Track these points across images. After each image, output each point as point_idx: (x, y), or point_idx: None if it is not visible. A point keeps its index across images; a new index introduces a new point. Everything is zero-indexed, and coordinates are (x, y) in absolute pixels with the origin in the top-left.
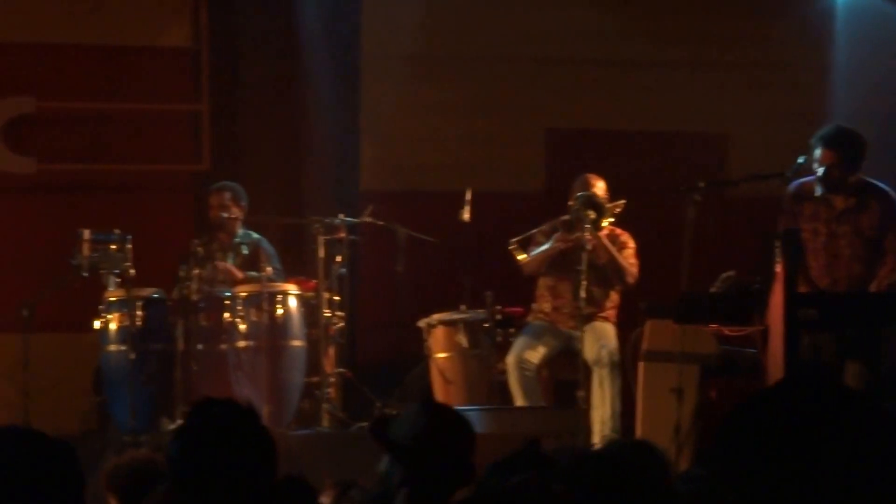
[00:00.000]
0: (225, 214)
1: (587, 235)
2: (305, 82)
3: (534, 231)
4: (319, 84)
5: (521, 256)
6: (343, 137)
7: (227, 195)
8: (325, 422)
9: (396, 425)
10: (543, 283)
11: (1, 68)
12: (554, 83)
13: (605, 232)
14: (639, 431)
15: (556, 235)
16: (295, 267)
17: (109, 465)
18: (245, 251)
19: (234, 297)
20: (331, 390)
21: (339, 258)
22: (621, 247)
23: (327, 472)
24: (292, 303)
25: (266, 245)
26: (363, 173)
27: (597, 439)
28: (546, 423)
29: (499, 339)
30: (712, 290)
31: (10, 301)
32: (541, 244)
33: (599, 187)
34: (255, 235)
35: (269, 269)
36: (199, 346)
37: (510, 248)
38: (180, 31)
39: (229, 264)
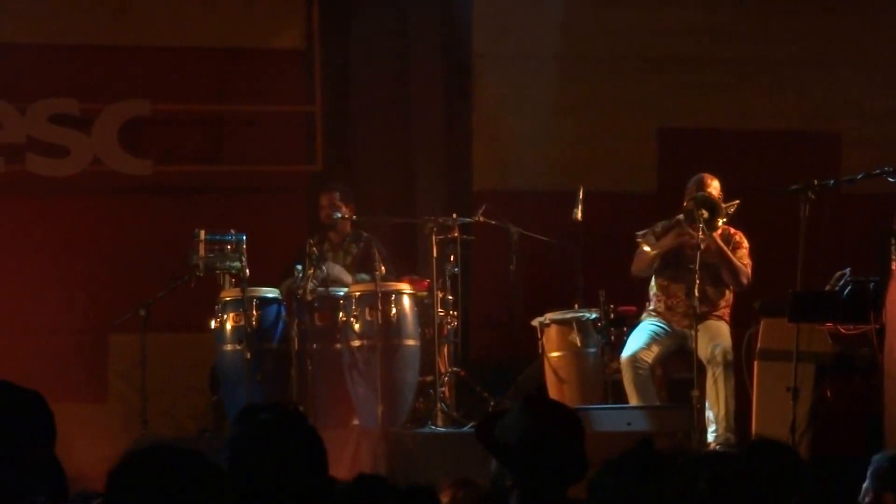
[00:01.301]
0: (335, 214)
1: (701, 235)
2: (417, 82)
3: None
4: (431, 84)
5: (647, 248)
6: (455, 137)
7: (337, 195)
8: (439, 421)
9: (501, 426)
10: (657, 282)
11: (117, 72)
12: (666, 82)
13: (718, 232)
14: (754, 430)
15: (677, 229)
16: (408, 266)
17: None
18: (355, 250)
19: (348, 297)
20: (444, 389)
21: (452, 257)
22: (735, 247)
23: (441, 472)
24: (406, 302)
25: (378, 244)
26: (475, 173)
27: (711, 438)
28: (660, 422)
29: (612, 337)
30: (827, 288)
31: (128, 302)
32: (654, 243)
33: (714, 187)
34: (365, 234)
35: (382, 268)
36: (314, 346)
37: (637, 239)
38: (293, 33)
39: (338, 268)
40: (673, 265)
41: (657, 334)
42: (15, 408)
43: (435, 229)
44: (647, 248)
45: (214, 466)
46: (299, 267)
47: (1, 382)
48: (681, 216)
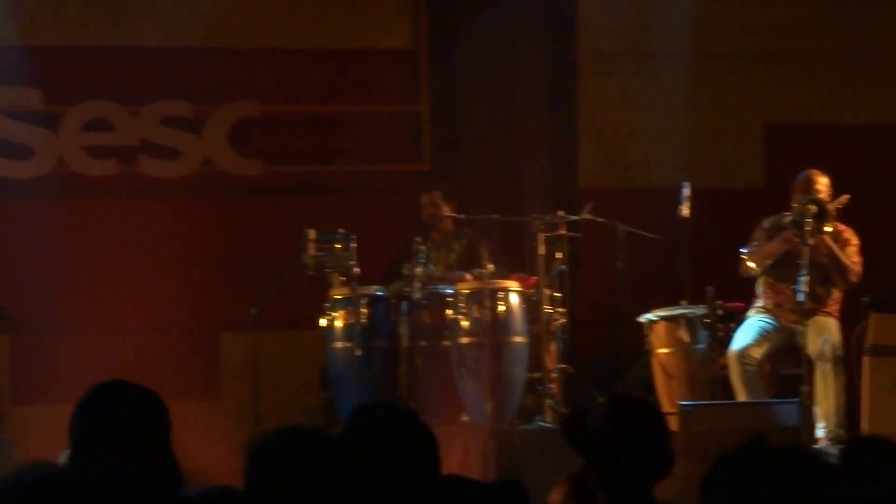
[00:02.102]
0: (438, 213)
1: (810, 239)
2: (523, 80)
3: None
4: (537, 81)
5: (751, 264)
6: (561, 134)
7: (438, 194)
8: (548, 417)
9: (586, 423)
10: (765, 279)
11: (227, 73)
12: (772, 78)
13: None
14: (864, 427)
15: (783, 234)
16: (515, 264)
17: None
18: (458, 248)
19: (456, 295)
20: (553, 386)
21: (559, 255)
22: (844, 244)
23: (549, 468)
24: (514, 299)
25: (484, 242)
26: (581, 170)
27: (821, 434)
28: (769, 418)
29: (720, 333)
30: None
31: (240, 300)
32: (760, 244)
33: (823, 184)
34: (468, 231)
35: (489, 266)
36: (423, 343)
37: (742, 256)
38: (400, 34)
39: (435, 271)
40: (781, 263)
41: (765, 330)
42: (131, 405)
43: (542, 227)
44: (751, 265)
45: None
46: (407, 265)
47: (116, 381)
48: (788, 216)
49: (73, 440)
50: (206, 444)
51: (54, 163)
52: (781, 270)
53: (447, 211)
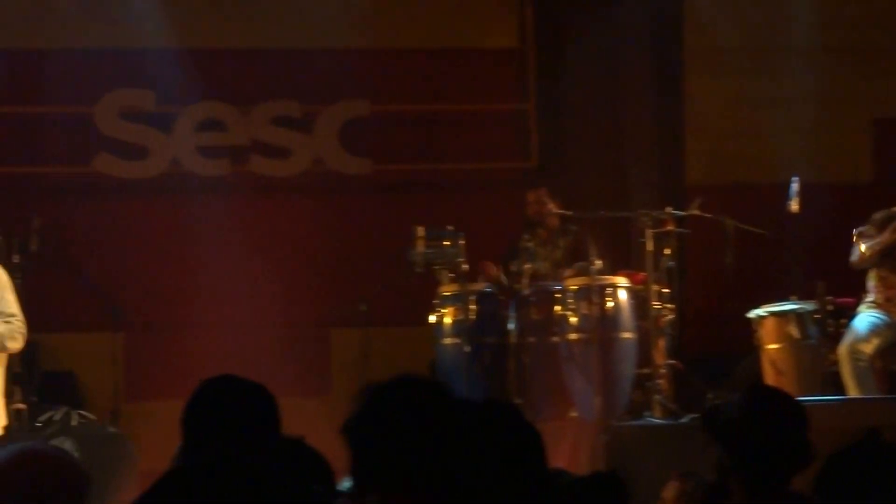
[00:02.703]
0: (544, 210)
1: None
2: (629, 77)
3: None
4: (643, 77)
5: (863, 246)
6: (667, 130)
7: (544, 191)
8: (657, 413)
9: (725, 414)
10: (876, 273)
11: (337, 73)
12: (881, 72)
13: None
14: None
15: (894, 225)
16: (623, 260)
17: None
18: (563, 244)
19: (564, 291)
20: (661, 381)
21: (667, 251)
22: None
23: (659, 464)
24: (622, 295)
25: (590, 238)
26: (688, 166)
27: None
28: (881, 414)
29: (830, 329)
30: None
31: (350, 297)
32: (871, 236)
33: None
34: (574, 228)
35: (597, 262)
36: (531, 339)
37: (853, 235)
38: (507, 32)
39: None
40: (893, 256)
41: (876, 326)
42: (241, 399)
43: (650, 223)
44: (863, 247)
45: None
46: (514, 261)
47: (226, 375)
48: None
49: (184, 435)
50: (317, 440)
51: (168, 163)
52: (893, 263)
53: (553, 208)
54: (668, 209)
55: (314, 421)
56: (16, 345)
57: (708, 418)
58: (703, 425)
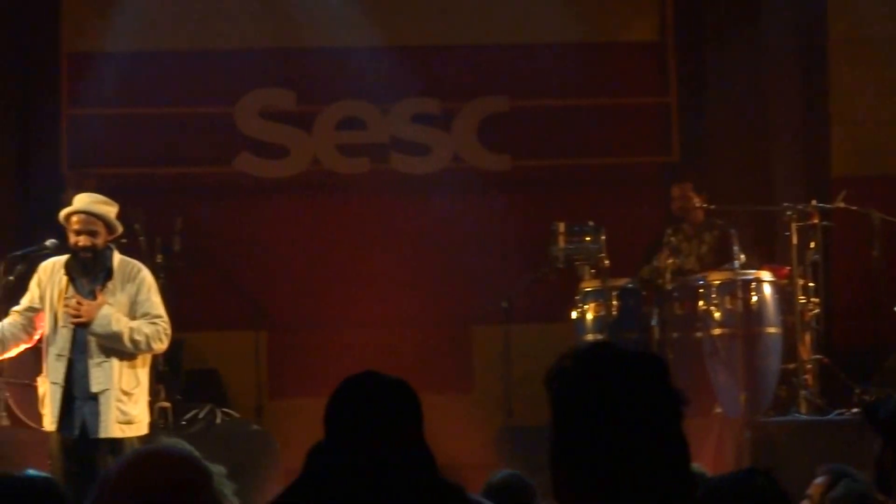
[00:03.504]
0: (687, 205)
1: None
2: (772, 69)
3: None
4: (786, 70)
5: None
6: (812, 123)
7: (689, 185)
8: (803, 408)
9: (888, 407)
10: None
11: (476, 69)
12: None
13: None
14: None
15: None
16: (767, 254)
17: None
18: (709, 239)
19: (707, 286)
20: (807, 377)
21: (812, 244)
22: None
23: (806, 459)
24: (766, 290)
25: (734, 232)
26: (834, 158)
27: None
28: None
29: None
30: None
31: (491, 294)
32: None
33: None
34: (720, 223)
35: (741, 256)
36: (675, 335)
37: None
38: (647, 26)
39: (686, 262)
40: None
41: None
42: (383, 396)
43: (794, 216)
44: None
45: None
46: (656, 256)
47: (368, 372)
48: None
49: (326, 432)
50: (459, 437)
51: (309, 162)
52: None
53: (698, 202)
54: (814, 202)
55: (455, 417)
56: (161, 346)
57: (870, 412)
58: (864, 419)
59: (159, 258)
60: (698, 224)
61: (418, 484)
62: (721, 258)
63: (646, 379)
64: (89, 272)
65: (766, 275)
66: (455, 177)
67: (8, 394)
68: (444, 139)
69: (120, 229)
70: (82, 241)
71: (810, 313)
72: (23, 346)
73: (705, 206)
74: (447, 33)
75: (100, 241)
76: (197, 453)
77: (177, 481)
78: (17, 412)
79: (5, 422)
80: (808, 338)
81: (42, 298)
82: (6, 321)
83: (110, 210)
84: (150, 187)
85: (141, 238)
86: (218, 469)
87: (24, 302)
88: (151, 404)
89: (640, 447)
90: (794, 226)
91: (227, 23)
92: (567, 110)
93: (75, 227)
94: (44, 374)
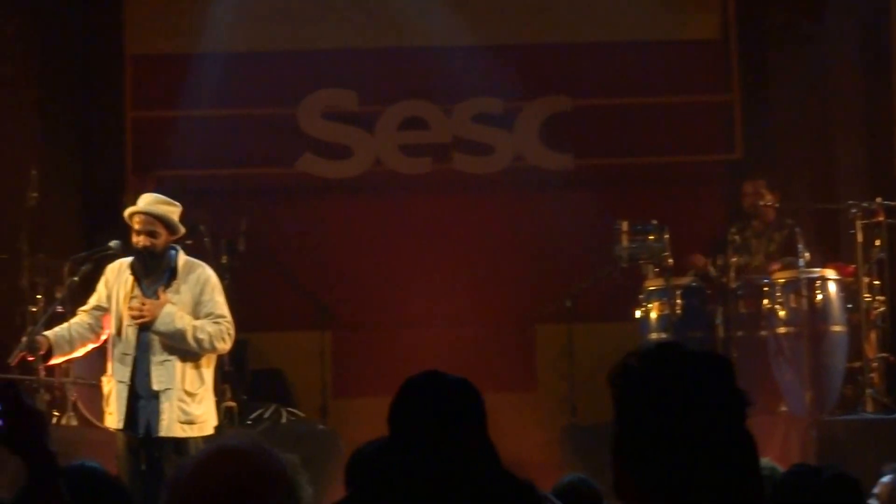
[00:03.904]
0: (759, 202)
1: None
2: (835, 66)
3: None
4: (851, 66)
5: None
6: (875, 120)
7: (761, 182)
8: (869, 407)
9: None
10: None
11: (538, 69)
12: None
13: None
14: None
15: None
16: (832, 252)
17: None
18: (779, 238)
19: (772, 284)
20: (873, 375)
21: (877, 242)
22: None
23: (872, 458)
24: (832, 288)
25: (799, 231)
26: None
27: None
28: None
29: None
30: None
31: (554, 293)
32: None
33: None
34: (790, 222)
35: (807, 254)
36: (739, 333)
37: None
38: (708, 24)
39: (752, 260)
40: None
41: None
42: (447, 395)
43: (859, 214)
44: None
45: None
46: (721, 255)
47: (432, 371)
48: None
49: (391, 431)
50: (523, 435)
51: (371, 162)
52: None
53: (770, 200)
54: (879, 200)
55: (519, 416)
56: (224, 346)
57: None
58: None
59: (224, 259)
60: (769, 222)
61: (487, 481)
62: (789, 255)
63: (711, 378)
64: (154, 272)
65: (830, 273)
66: (517, 176)
67: (76, 394)
68: (506, 139)
69: (181, 230)
70: (142, 241)
71: (876, 311)
72: (90, 346)
73: (776, 204)
74: (510, 33)
75: (160, 241)
76: (266, 444)
77: (250, 474)
78: (85, 412)
79: (74, 421)
80: (873, 336)
81: (109, 298)
82: (73, 321)
83: (172, 211)
84: (214, 189)
85: (206, 239)
86: (291, 458)
87: (92, 302)
88: (217, 404)
89: (704, 447)
90: (858, 223)
91: (289, 24)
92: (629, 109)
93: (136, 226)
94: (109, 373)
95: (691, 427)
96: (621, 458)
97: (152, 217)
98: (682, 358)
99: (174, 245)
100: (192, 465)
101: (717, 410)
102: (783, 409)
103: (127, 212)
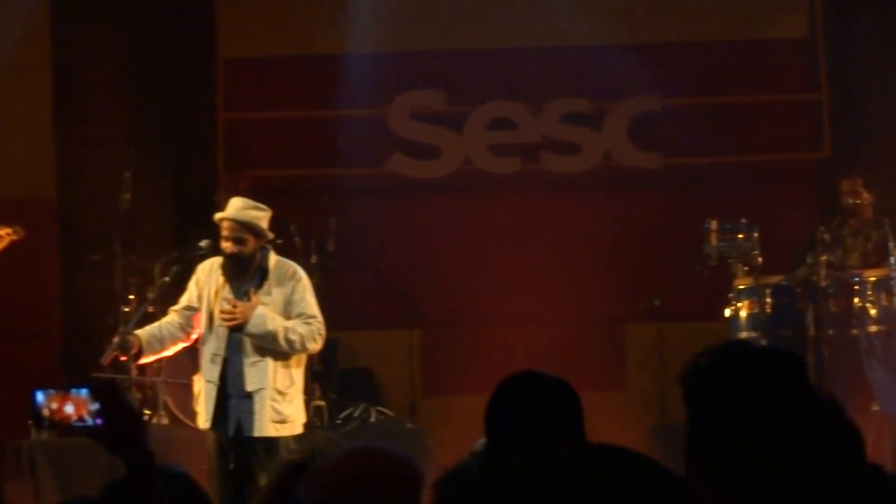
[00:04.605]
0: (856, 200)
1: None
2: None
3: None
4: None
5: None
6: None
7: (859, 181)
8: None
9: None
10: None
11: (626, 69)
12: None
13: None
14: None
15: None
16: None
17: None
18: (875, 237)
19: (863, 282)
20: None
21: None
22: None
23: None
24: None
25: (889, 229)
26: None
27: None
28: None
29: None
30: None
31: (643, 292)
32: None
33: None
34: (888, 221)
35: None
36: (830, 332)
37: None
38: (795, 23)
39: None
40: None
41: None
42: (544, 394)
43: None
44: None
45: None
46: (811, 253)
47: (529, 371)
48: None
49: (488, 430)
50: (612, 434)
51: (460, 162)
52: None
53: (867, 199)
54: None
55: (609, 416)
56: (315, 346)
57: None
58: None
59: (314, 258)
60: (866, 220)
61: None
62: (885, 257)
63: (782, 376)
64: (244, 274)
65: None
66: (606, 175)
67: (167, 393)
68: (594, 138)
69: (269, 236)
70: (228, 248)
71: None
72: (180, 346)
73: (872, 202)
74: (597, 33)
75: (246, 248)
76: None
77: (392, 474)
78: (176, 411)
79: (165, 420)
80: None
81: (199, 298)
82: (164, 320)
83: (259, 216)
84: (304, 189)
85: (296, 239)
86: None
87: (183, 301)
88: (307, 403)
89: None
90: None
91: (378, 26)
92: (718, 108)
93: (224, 232)
94: (199, 372)
95: (761, 425)
96: (694, 459)
97: (239, 224)
98: (753, 355)
99: (265, 245)
100: (334, 462)
101: (787, 407)
102: (875, 408)
103: (217, 216)
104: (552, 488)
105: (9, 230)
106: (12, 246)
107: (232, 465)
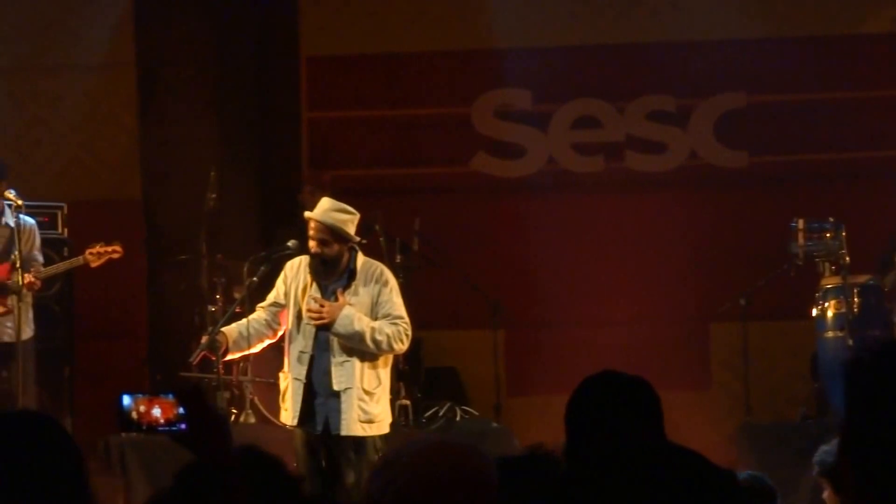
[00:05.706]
0: None
1: None
2: None
3: None
4: None
5: None
6: None
7: None
8: None
9: None
10: None
11: (712, 66)
12: None
13: None
14: None
15: None
16: None
17: None
18: None
19: None
20: None
21: None
22: None
23: None
24: None
25: None
26: None
27: None
28: None
29: None
30: None
31: (729, 291)
32: None
33: None
34: None
35: None
36: None
37: None
38: (885, 17)
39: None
40: None
41: None
42: (623, 394)
43: None
44: None
45: None
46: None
47: (609, 371)
48: None
49: (568, 430)
50: (697, 434)
51: (544, 161)
52: None
53: None
54: None
55: (693, 415)
56: (401, 346)
57: None
58: None
59: (398, 258)
60: None
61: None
62: None
63: None
64: (332, 273)
65: None
66: (692, 174)
67: (254, 392)
68: (680, 136)
69: (354, 240)
70: (314, 247)
71: None
72: (266, 342)
73: None
74: (683, 29)
75: (330, 250)
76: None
77: (467, 470)
78: (263, 410)
79: (252, 419)
80: None
81: (287, 295)
82: (251, 317)
83: (345, 220)
84: (388, 188)
85: (381, 238)
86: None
87: (270, 298)
88: (392, 402)
89: None
90: None
91: (462, 23)
92: (805, 105)
93: (310, 232)
94: (285, 369)
95: None
96: (851, 452)
97: (324, 226)
98: None
99: (353, 246)
100: (411, 455)
101: None
102: None
103: (306, 214)
104: (623, 486)
105: (110, 249)
106: (108, 263)
107: (324, 463)
